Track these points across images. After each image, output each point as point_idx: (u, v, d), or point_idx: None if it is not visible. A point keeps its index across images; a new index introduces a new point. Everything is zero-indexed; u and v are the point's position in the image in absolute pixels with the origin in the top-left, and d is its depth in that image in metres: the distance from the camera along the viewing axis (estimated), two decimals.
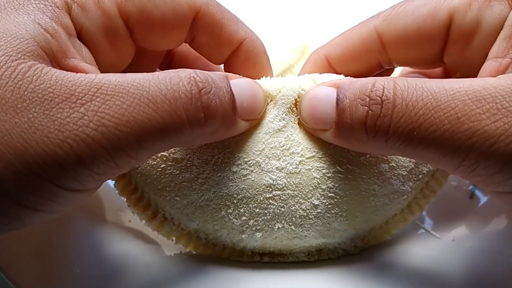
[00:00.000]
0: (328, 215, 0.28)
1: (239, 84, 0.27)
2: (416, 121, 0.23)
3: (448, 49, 0.29)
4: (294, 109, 0.29)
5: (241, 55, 0.32)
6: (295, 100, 0.29)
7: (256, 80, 0.29)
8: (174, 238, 0.31)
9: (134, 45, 0.30)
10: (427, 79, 0.25)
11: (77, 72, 0.24)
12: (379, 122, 0.24)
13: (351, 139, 0.26)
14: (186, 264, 0.31)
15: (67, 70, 0.24)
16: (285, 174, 0.28)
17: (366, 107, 0.24)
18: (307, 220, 0.28)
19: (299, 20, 0.52)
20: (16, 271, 0.28)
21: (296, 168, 0.28)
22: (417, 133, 0.23)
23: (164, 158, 0.29)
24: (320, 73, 0.30)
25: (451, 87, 0.23)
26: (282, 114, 0.29)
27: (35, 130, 0.21)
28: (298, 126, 0.29)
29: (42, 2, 0.25)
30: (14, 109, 0.22)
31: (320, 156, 0.28)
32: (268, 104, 0.29)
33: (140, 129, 0.23)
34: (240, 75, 0.29)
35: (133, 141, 0.23)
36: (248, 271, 0.30)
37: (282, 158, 0.28)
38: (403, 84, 0.24)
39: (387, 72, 0.34)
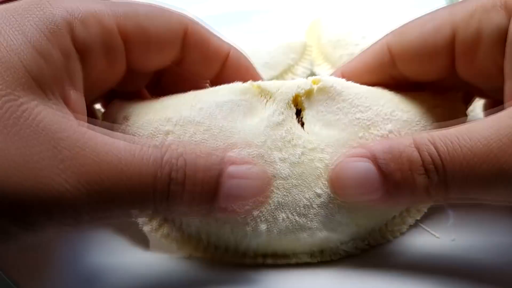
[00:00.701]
0: (331, 205, 0.29)
1: (236, 173, 0.26)
2: (467, 178, 0.25)
3: (457, 62, 0.30)
4: (292, 105, 0.30)
5: (230, 66, 0.33)
6: (292, 97, 0.30)
7: (256, 82, 0.30)
8: (174, 243, 0.30)
9: (126, 65, 0.30)
10: (453, 129, 0.26)
11: (65, 103, 0.24)
12: (439, 187, 0.26)
13: (406, 202, 0.28)
14: (186, 269, 0.31)
15: (56, 99, 0.24)
16: (288, 165, 0.29)
17: (426, 176, 0.25)
18: (311, 209, 0.29)
19: (298, 20, 0.52)
20: (16, 271, 0.29)
21: (298, 159, 0.29)
22: (470, 186, 0.25)
23: None
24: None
25: (483, 136, 0.25)
26: (281, 109, 0.30)
27: (8, 168, 0.21)
28: (296, 122, 0.30)
29: (42, 18, 0.25)
30: None
31: (322, 147, 0.29)
32: (267, 101, 0.30)
33: (111, 204, 0.23)
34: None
35: (101, 211, 0.23)
36: (249, 273, 0.30)
37: (284, 149, 0.29)
38: (442, 147, 0.25)
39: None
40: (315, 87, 0.30)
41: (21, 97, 0.23)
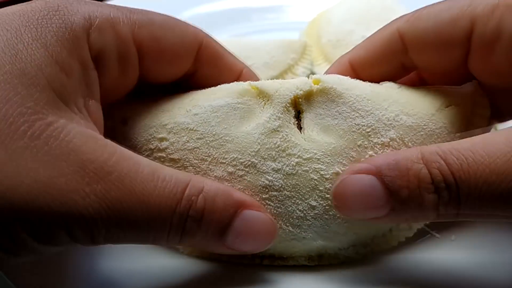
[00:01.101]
0: (326, 216, 0.28)
1: (248, 217, 0.26)
2: (483, 197, 0.24)
3: (471, 57, 0.29)
4: (290, 108, 0.29)
5: None
6: (291, 100, 0.29)
7: (255, 82, 0.30)
8: None
9: (138, 74, 0.29)
10: (466, 142, 0.25)
11: (81, 114, 0.24)
12: (450, 206, 0.25)
13: (413, 220, 0.27)
14: (184, 269, 0.30)
15: (81, 113, 0.25)
16: (281, 175, 0.28)
17: (436, 194, 0.24)
18: (305, 221, 0.28)
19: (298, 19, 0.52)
20: (16, 271, 0.29)
21: (293, 169, 0.28)
22: (486, 206, 0.24)
23: (162, 159, 0.29)
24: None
25: (502, 152, 0.23)
26: (278, 113, 0.28)
27: (36, 188, 0.22)
28: (293, 126, 0.29)
29: (61, 28, 0.25)
30: (23, 166, 0.21)
31: (318, 157, 0.28)
32: (265, 104, 0.29)
33: (128, 230, 0.24)
34: None
35: (116, 235, 0.24)
36: (247, 276, 0.30)
37: (278, 159, 0.28)
38: (454, 163, 0.24)
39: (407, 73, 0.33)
40: (315, 87, 0.29)
41: (49, 116, 0.23)
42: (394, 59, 0.31)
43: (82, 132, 0.24)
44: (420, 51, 0.30)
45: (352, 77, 0.31)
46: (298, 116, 0.30)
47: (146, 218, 0.24)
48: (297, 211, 0.28)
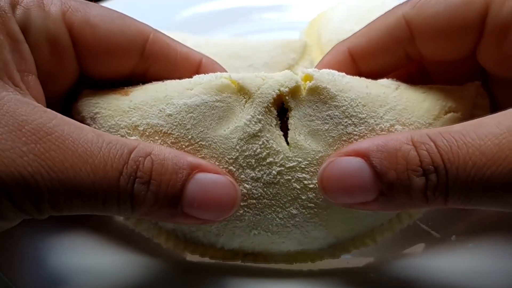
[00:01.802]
0: (307, 223, 0.27)
1: (203, 181, 0.25)
2: (472, 181, 0.23)
3: (482, 43, 0.28)
4: (272, 108, 0.27)
5: None
6: (273, 98, 0.27)
7: (236, 75, 0.28)
8: (152, 235, 0.30)
9: (77, 64, 0.29)
10: (458, 125, 0.24)
11: (18, 88, 0.24)
12: (438, 190, 0.24)
13: (402, 206, 0.25)
14: (156, 271, 0.30)
15: (17, 85, 0.24)
16: (261, 184, 0.27)
17: (423, 177, 0.23)
18: (285, 228, 0.27)
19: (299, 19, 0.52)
20: (16, 271, 0.28)
21: (274, 178, 0.26)
22: (475, 191, 0.23)
23: None
24: (319, 69, 0.28)
25: (494, 134, 0.23)
26: (259, 115, 0.26)
27: None
28: (276, 130, 0.27)
29: None
30: None
31: (303, 166, 0.26)
32: (246, 102, 0.27)
33: (73, 194, 0.23)
34: None
35: (62, 200, 0.23)
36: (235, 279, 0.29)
37: (258, 167, 0.26)
38: (444, 145, 0.23)
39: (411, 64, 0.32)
40: (303, 84, 0.27)
41: None
42: (399, 48, 0.29)
43: (18, 99, 0.23)
44: (429, 38, 0.28)
45: (351, 68, 0.29)
46: (284, 113, 0.28)
47: (91, 181, 0.23)
48: (277, 218, 0.27)
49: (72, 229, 0.31)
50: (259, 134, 0.26)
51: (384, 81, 0.30)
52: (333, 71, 0.28)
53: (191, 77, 0.28)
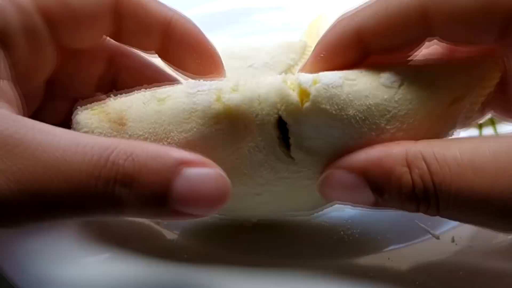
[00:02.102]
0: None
1: (191, 176, 0.23)
2: (462, 213, 0.24)
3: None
4: (272, 132, 0.26)
5: (175, 35, 0.30)
6: (274, 121, 0.26)
7: (228, 98, 0.26)
8: None
9: (56, 47, 0.28)
10: (456, 150, 0.24)
11: None
12: (430, 210, 0.25)
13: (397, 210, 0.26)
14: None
15: None
16: (268, 190, 0.29)
17: (415, 203, 0.24)
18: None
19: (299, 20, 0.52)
20: (16, 271, 0.29)
21: (281, 188, 0.29)
22: (466, 219, 0.25)
23: None
24: (318, 72, 0.27)
25: (488, 171, 0.23)
26: (261, 142, 0.27)
27: None
28: (279, 150, 0.27)
29: None
30: None
31: (311, 175, 0.28)
32: (246, 129, 0.26)
33: (48, 205, 0.22)
34: (186, 72, 0.28)
35: (37, 212, 0.22)
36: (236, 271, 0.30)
37: (267, 184, 0.28)
38: (438, 172, 0.23)
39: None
40: (299, 102, 0.26)
41: None
42: (413, 31, 0.27)
43: None
44: (453, 26, 0.26)
45: (358, 49, 0.28)
46: (283, 125, 0.27)
47: (64, 190, 0.21)
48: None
49: (72, 229, 0.31)
50: (263, 161, 0.27)
51: (386, 78, 0.27)
52: (331, 78, 0.27)
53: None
